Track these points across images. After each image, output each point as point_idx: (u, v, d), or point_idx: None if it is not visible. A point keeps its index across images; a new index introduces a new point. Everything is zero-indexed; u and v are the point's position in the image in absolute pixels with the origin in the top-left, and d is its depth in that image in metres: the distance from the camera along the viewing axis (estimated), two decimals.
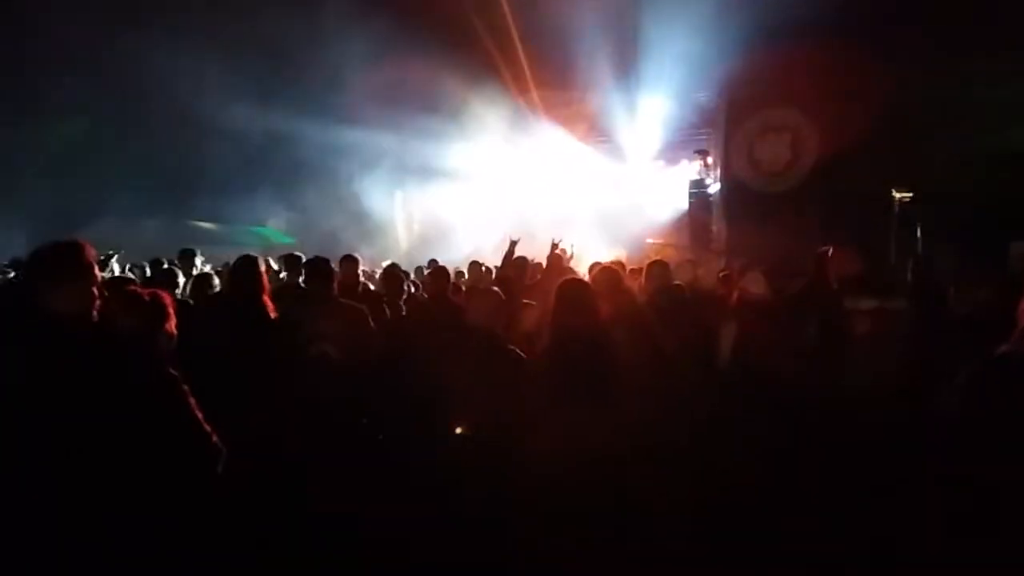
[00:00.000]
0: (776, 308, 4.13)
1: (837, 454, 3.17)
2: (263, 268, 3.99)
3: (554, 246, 6.24)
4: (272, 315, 3.79)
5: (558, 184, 16.22)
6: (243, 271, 3.90)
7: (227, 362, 3.10)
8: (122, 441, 1.92)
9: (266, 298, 3.80)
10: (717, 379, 4.19)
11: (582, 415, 3.13)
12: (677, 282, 5.29)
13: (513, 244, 5.94)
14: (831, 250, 3.81)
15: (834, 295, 3.48)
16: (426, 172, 17.10)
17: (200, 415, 2.12)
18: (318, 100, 15.84)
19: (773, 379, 3.75)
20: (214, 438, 2.13)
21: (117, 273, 6.04)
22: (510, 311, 4.31)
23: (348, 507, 2.96)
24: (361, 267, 5.58)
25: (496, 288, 5.55)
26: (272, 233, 20.23)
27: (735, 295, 4.40)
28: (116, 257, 6.26)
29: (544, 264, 6.10)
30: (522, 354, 3.29)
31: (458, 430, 3.11)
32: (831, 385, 3.30)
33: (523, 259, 5.91)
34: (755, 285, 4.27)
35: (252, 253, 4.10)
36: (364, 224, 17.24)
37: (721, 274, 7.91)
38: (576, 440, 3.11)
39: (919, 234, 11.80)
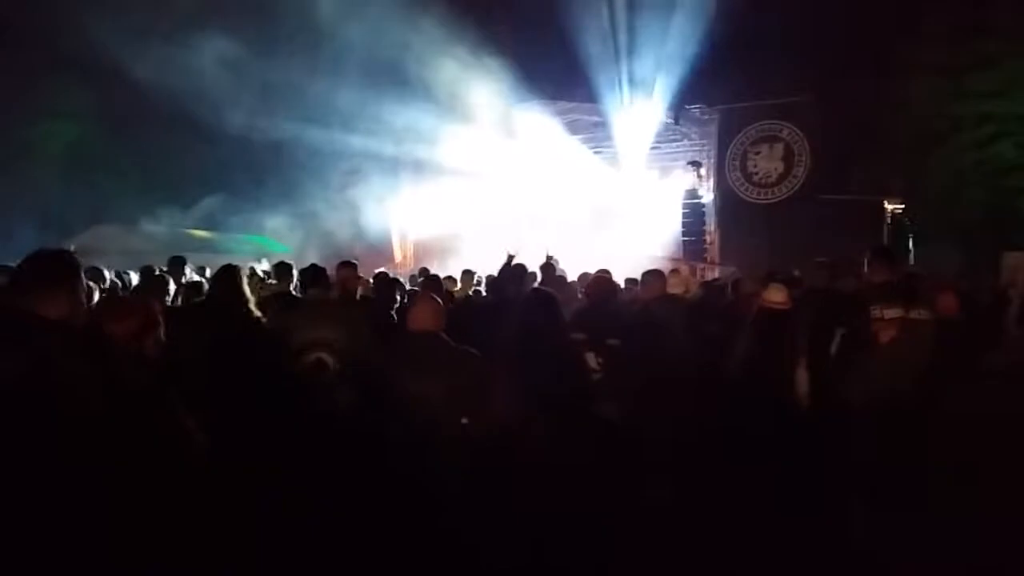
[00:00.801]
0: (795, 318, 4.12)
1: (849, 462, 3.17)
2: (246, 276, 3.96)
3: (548, 259, 6.32)
4: (255, 322, 3.75)
5: (553, 193, 16.26)
6: (222, 280, 3.88)
7: (212, 369, 3.07)
8: (107, 448, 1.90)
9: (250, 306, 3.77)
10: (721, 387, 4.18)
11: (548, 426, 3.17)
12: (673, 291, 5.28)
13: (511, 258, 5.99)
14: (869, 255, 3.78)
15: (856, 303, 3.48)
16: (421, 181, 17.15)
17: (187, 422, 2.10)
18: (317, 105, 15.84)
19: (789, 388, 3.76)
20: (202, 445, 2.12)
21: (107, 279, 5.99)
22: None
23: (343, 512, 2.92)
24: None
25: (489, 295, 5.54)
26: (267, 242, 20.19)
27: (756, 305, 4.37)
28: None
29: (538, 274, 6.16)
30: (474, 352, 3.27)
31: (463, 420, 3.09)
32: (850, 394, 3.30)
33: (522, 267, 5.92)
34: (777, 295, 4.25)
35: (249, 260, 4.07)
36: (361, 232, 17.22)
37: (716, 284, 7.94)
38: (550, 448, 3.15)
39: (911, 245, 11.88)
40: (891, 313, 3.21)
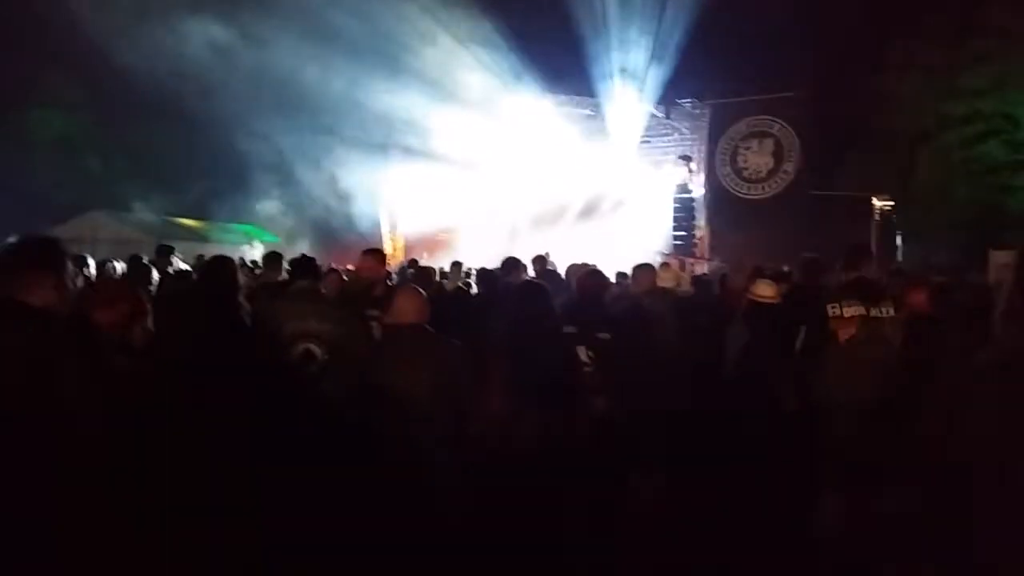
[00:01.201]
0: (783, 313, 4.15)
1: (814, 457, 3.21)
2: (236, 266, 3.95)
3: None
4: (242, 313, 3.73)
5: (544, 187, 16.23)
6: (214, 271, 3.86)
7: (200, 359, 3.04)
8: (92, 436, 1.87)
9: (239, 297, 3.75)
10: (712, 380, 4.20)
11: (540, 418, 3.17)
12: (663, 285, 5.29)
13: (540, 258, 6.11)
14: (855, 249, 3.81)
15: (820, 301, 3.50)
16: (412, 173, 17.07)
17: (174, 411, 2.08)
18: (309, 92, 15.72)
19: (776, 382, 3.79)
20: (189, 434, 2.10)
21: (92, 270, 5.92)
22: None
23: (331, 502, 2.91)
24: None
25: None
26: (256, 231, 20.08)
27: (746, 299, 4.38)
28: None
29: (530, 267, 6.18)
30: (458, 344, 3.25)
31: None
32: (811, 390, 3.33)
33: (516, 260, 5.91)
34: (767, 289, 4.25)
35: (239, 248, 4.06)
36: (352, 222, 17.15)
37: (703, 278, 7.96)
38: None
39: (899, 242, 11.97)
40: (850, 311, 3.20)
